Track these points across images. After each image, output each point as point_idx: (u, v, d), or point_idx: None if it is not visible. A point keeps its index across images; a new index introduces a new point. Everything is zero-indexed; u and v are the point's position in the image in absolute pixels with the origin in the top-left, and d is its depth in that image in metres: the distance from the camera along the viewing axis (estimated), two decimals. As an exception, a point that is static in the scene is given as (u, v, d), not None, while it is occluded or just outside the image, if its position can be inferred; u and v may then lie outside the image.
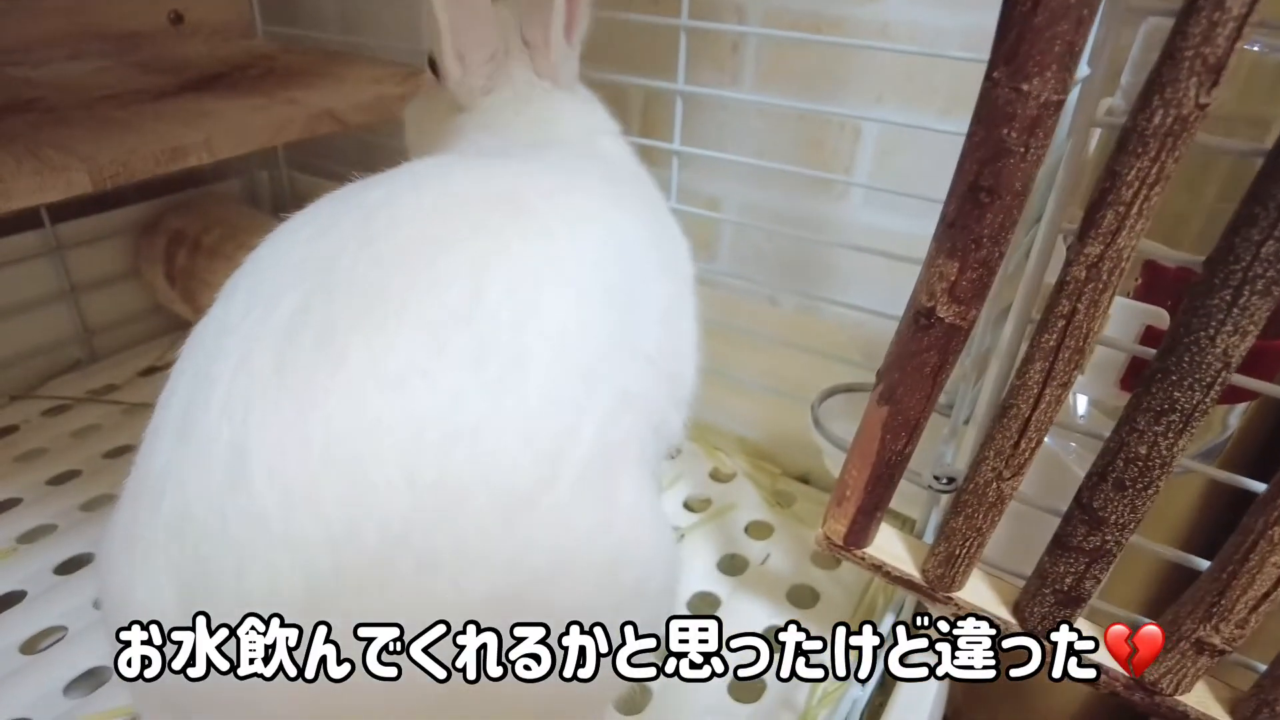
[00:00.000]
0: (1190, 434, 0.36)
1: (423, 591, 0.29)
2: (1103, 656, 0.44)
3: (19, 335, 0.84)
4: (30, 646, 0.57)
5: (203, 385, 0.32)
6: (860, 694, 0.52)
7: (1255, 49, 0.46)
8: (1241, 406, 0.51)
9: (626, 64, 0.70)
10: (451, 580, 0.30)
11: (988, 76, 0.34)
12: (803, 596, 0.64)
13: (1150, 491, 0.38)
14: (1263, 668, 0.41)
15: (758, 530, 0.71)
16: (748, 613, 0.62)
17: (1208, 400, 0.35)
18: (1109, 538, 0.40)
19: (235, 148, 0.60)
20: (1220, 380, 0.34)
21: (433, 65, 0.54)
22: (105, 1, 0.82)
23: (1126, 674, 0.43)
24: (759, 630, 0.60)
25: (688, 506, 0.73)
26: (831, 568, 0.67)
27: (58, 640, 0.57)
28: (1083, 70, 0.39)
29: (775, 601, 0.63)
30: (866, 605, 0.63)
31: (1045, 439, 0.41)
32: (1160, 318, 0.45)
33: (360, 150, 0.98)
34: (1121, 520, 0.39)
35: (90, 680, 0.54)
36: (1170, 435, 0.36)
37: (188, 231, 0.87)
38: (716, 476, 0.77)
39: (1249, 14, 0.29)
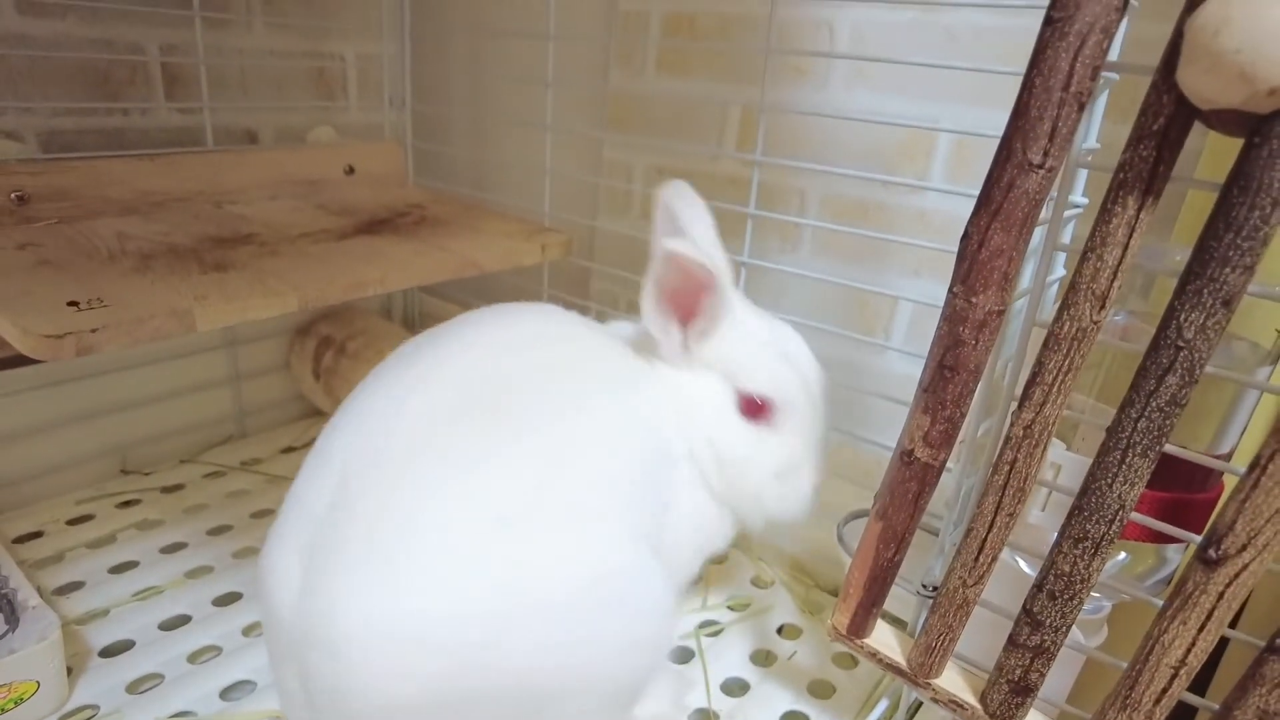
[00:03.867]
0: (1102, 558, 0.48)
1: None
2: (1051, 743, 0.54)
3: (191, 410, 1.03)
4: (194, 658, 0.71)
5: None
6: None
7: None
8: (1179, 545, 0.62)
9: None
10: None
11: (950, 290, 0.49)
12: (822, 689, 0.75)
13: (1075, 602, 0.50)
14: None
15: (789, 631, 0.82)
16: (772, 698, 0.73)
17: (1111, 532, 0.47)
18: (1046, 638, 0.51)
19: (401, 284, 0.79)
20: (1119, 518, 0.47)
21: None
22: (298, 157, 1.05)
23: (1070, 760, 0.53)
24: (780, 713, 0.71)
25: (730, 607, 0.85)
26: (850, 667, 0.77)
27: (214, 656, 0.72)
28: (1025, 284, 0.53)
29: (797, 691, 0.74)
30: (874, 700, 0.73)
31: (1004, 557, 0.53)
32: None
33: (477, 280, 1.17)
34: (1054, 624, 0.50)
35: (241, 688, 0.68)
36: (1085, 558, 0.48)
37: (335, 337, 1.06)
38: (757, 583, 0.89)
39: (1120, 265, 0.44)
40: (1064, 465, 0.57)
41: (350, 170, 1.08)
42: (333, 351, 1.05)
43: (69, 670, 0.67)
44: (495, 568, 0.45)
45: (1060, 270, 0.54)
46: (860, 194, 0.94)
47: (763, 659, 0.78)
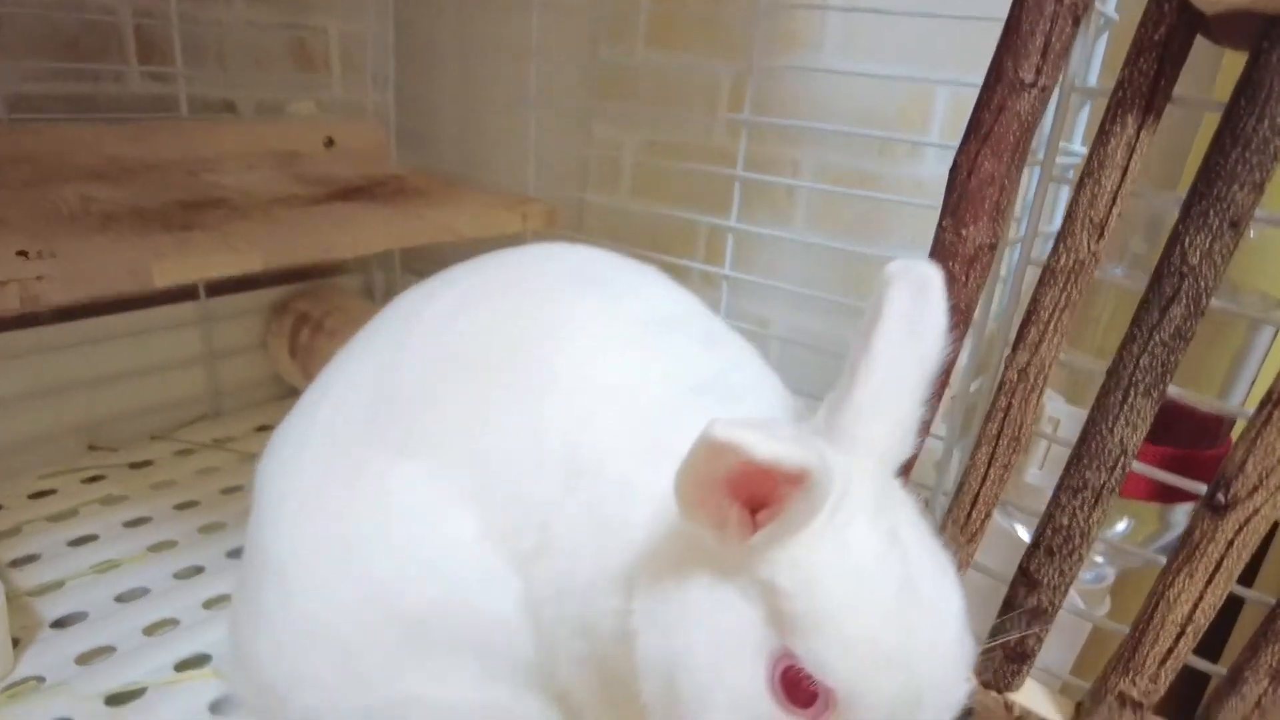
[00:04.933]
0: (1102, 509, 0.45)
1: None
2: (1050, 713, 0.51)
3: (164, 388, 1.00)
4: (150, 631, 0.68)
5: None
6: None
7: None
8: (1185, 507, 0.58)
9: (697, 203, 0.85)
10: None
11: (939, 225, 0.46)
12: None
13: (1074, 558, 0.46)
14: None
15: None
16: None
17: (1113, 480, 0.44)
18: (1044, 598, 0.48)
19: (370, 247, 0.76)
20: (1120, 464, 0.44)
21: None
22: (276, 128, 1.02)
23: (1068, 733, 0.50)
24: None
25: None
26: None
27: (171, 629, 0.68)
28: (1024, 227, 0.50)
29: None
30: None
31: (1002, 523, 0.50)
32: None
33: (459, 257, 1.15)
34: (1053, 583, 0.47)
35: (198, 662, 0.65)
36: (1085, 509, 0.45)
37: (311, 314, 1.03)
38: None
39: (1119, 190, 0.41)
40: (1062, 420, 0.54)
41: (330, 142, 1.05)
42: (309, 329, 1.01)
43: (15, 642, 0.64)
44: None
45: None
46: (855, 164, 0.91)
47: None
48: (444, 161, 1.18)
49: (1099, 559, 0.61)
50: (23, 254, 0.59)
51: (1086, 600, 0.61)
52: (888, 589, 0.32)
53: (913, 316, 0.35)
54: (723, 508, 0.33)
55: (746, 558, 0.33)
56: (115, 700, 0.61)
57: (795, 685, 0.33)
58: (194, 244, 0.66)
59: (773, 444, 0.29)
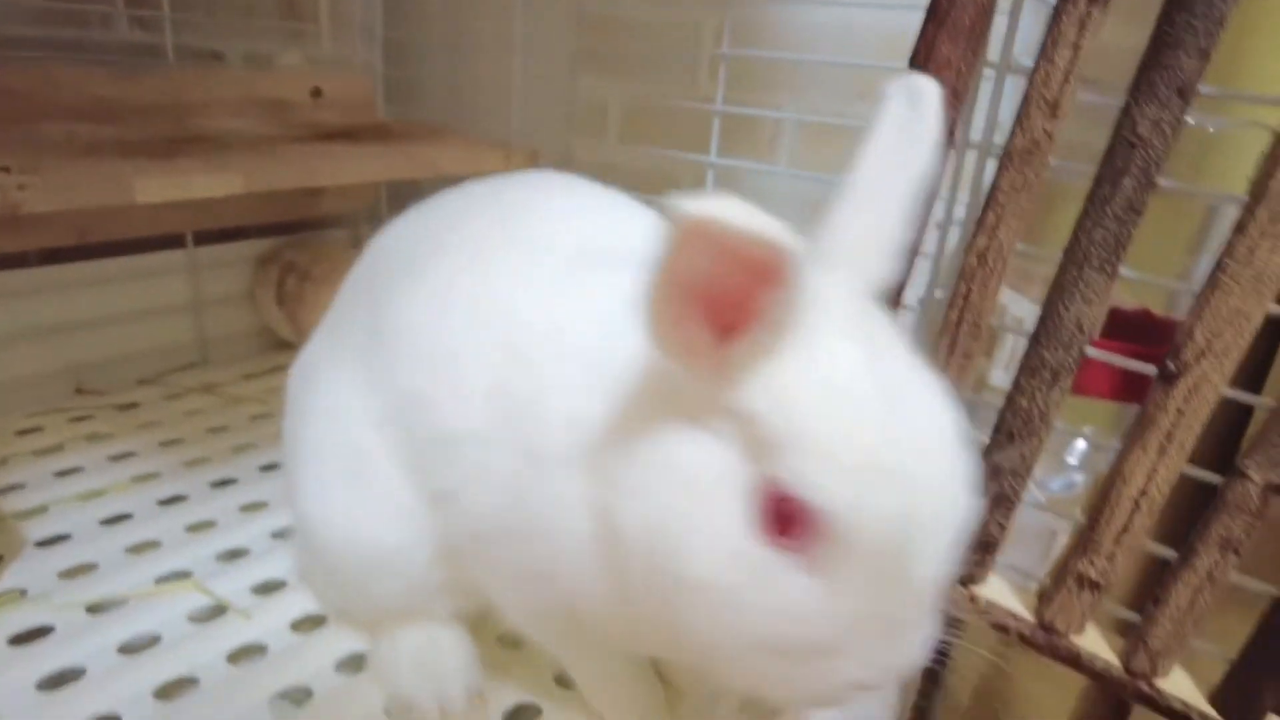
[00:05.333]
0: (1061, 389, 0.46)
1: None
2: (1013, 604, 0.52)
3: (152, 334, 1.00)
4: (131, 550, 0.69)
5: None
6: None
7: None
8: (1083, 446, 0.59)
9: (680, 142, 0.86)
10: None
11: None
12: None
13: (1034, 441, 0.47)
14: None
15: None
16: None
17: (1069, 359, 0.45)
18: (1005, 484, 0.49)
19: (352, 177, 0.77)
20: (1077, 343, 0.45)
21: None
22: (264, 77, 1.03)
23: (1033, 620, 0.51)
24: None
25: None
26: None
27: (152, 550, 0.69)
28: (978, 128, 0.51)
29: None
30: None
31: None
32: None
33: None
34: (1015, 469, 0.48)
35: (177, 578, 0.66)
36: (1044, 389, 0.46)
37: (299, 262, 1.04)
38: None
39: (1071, 68, 0.42)
40: (1025, 318, 0.55)
41: (317, 93, 1.06)
42: (296, 276, 1.02)
43: (0, 558, 0.64)
44: None
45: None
46: (837, 108, 0.92)
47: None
48: (431, 113, 1.19)
49: (1071, 460, 0.62)
50: (4, 169, 0.60)
51: (1057, 510, 0.62)
52: (870, 398, 0.31)
53: (906, 126, 0.35)
54: (693, 332, 0.31)
55: (720, 392, 0.32)
56: (95, 609, 0.61)
57: (782, 515, 0.31)
58: (176, 165, 0.67)
59: (752, 217, 0.27)
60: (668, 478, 0.33)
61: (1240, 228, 0.38)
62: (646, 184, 0.90)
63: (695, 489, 0.33)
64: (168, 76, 0.94)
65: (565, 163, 1.11)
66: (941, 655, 0.35)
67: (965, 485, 0.32)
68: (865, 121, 0.37)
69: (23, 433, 0.86)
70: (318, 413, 0.52)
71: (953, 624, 0.36)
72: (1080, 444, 0.61)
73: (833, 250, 0.34)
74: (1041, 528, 0.51)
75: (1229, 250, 0.39)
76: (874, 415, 0.31)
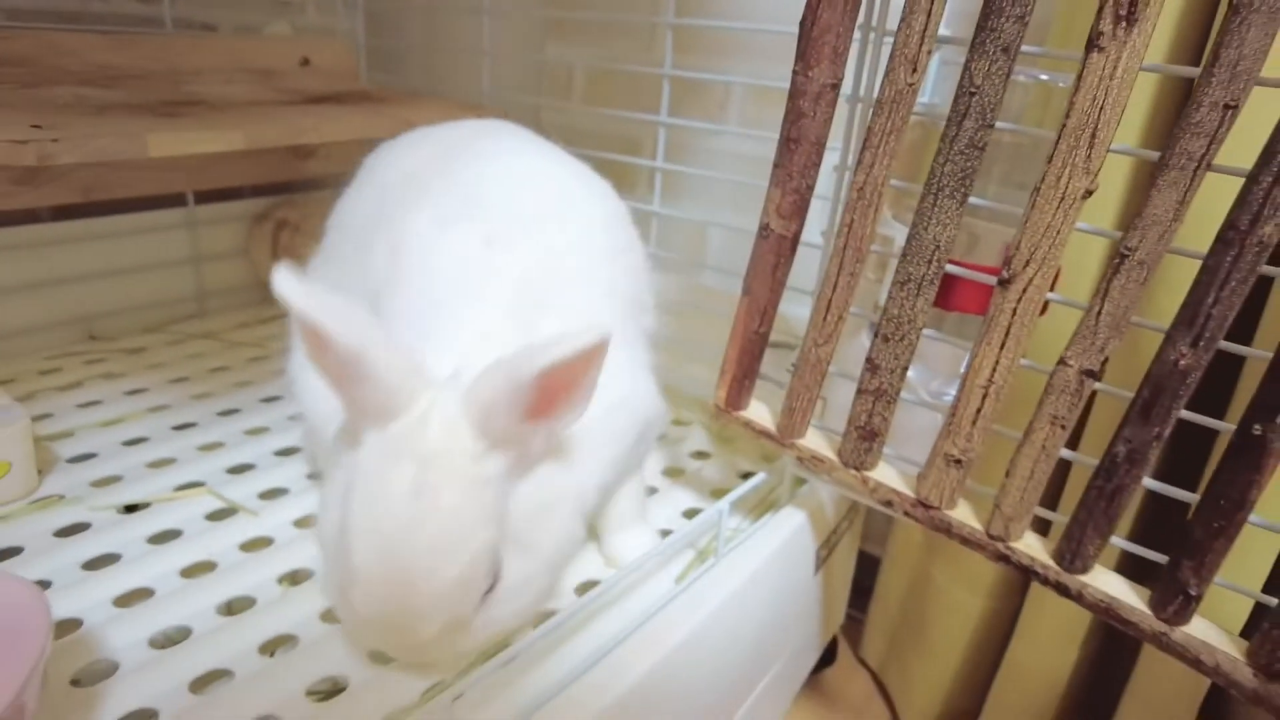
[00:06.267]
0: (925, 299, 0.56)
1: None
2: (897, 484, 0.62)
3: (155, 286, 1.09)
4: (151, 466, 0.79)
5: None
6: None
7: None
8: None
9: (639, 104, 0.95)
10: None
11: (793, 70, 0.56)
12: (719, 495, 0.83)
13: (905, 343, 0.57)
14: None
15: (699, 455, 0.90)
16: (677, 499, 0.81)
17: (930, 272, 0.55)
18: (883, 380, 0.59)
19: (336, 135, 0.86)
20: (935, 258, 0.54)
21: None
22: (255, 46, 1.11)
23: (913, 496, 0.61)
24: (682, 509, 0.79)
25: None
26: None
27: (170, 465, 0.79)
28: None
29: (701, 495, 0.82)
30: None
31: (861, 339, 0.61)
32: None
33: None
34: (890, 366, 0.58)
35: (193, 487, 0.76)
36: (910, 299, 0.56)
37: (291, 218, 1.13)
38: (676, 423, 0.97)
39: (925, 31, 0.51)
40: (898, 239, 0.64)
41: (306, 62, 1.14)
42: (289, 231, 1.11)
43: (38, 472, 0.74)
44: None
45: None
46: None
47: (671, 473, 0.86)
48: (409, 80, 1.27)
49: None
50: (37, 126, 0.69)
51: (940, 408, 0.72)
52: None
53: None
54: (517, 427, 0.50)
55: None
56: (127, 510, 0.71)
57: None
58: (182, 124, 0.76)
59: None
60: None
61: (1050, 158, 0.48)
62: (609, 143, 0.99)
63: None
64: (164, 44, 1.02)
65: (533, 124, 1.20)
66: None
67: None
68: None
69: (44, 373, 0.95)
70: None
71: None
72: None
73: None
74: (935, 426, 0.61)
75: (1043, 177, 0.48)
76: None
